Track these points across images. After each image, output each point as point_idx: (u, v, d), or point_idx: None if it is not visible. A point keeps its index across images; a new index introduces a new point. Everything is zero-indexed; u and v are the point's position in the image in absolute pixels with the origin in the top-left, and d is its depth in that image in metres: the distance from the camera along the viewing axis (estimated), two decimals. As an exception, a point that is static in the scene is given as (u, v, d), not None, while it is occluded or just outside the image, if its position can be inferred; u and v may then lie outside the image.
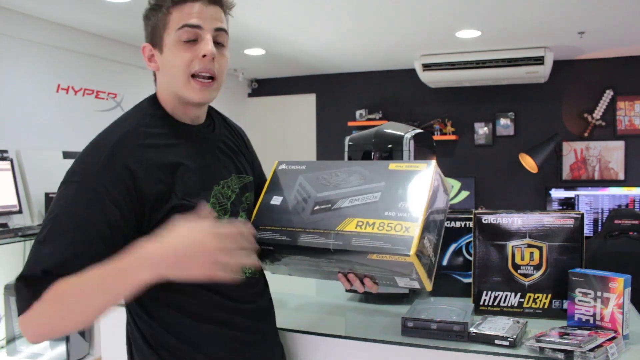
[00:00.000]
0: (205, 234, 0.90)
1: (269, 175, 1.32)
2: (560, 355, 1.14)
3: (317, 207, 1.18)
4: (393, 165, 1.18)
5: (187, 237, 0.90)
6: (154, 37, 1.11)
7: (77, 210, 0.96)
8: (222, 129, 1.25)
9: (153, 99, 1.16)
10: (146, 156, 1.04)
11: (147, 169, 1.03)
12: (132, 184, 1.00)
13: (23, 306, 0.92)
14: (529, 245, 1.42)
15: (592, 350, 1.12)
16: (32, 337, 0.94)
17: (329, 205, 1.17)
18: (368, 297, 1.61)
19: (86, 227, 0.95)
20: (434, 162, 1.15)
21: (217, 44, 1.11)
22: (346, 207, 1.15)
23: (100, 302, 0.92)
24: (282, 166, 1.31)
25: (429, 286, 1.10)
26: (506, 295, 1.44)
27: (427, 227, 1.08)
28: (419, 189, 1.11)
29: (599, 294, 1.29)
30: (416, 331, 1.29)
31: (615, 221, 2.75)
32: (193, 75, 1.09)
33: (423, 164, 1.16)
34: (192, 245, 0.90)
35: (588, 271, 1.32)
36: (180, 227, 0.92)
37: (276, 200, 1.25)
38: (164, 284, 0.92)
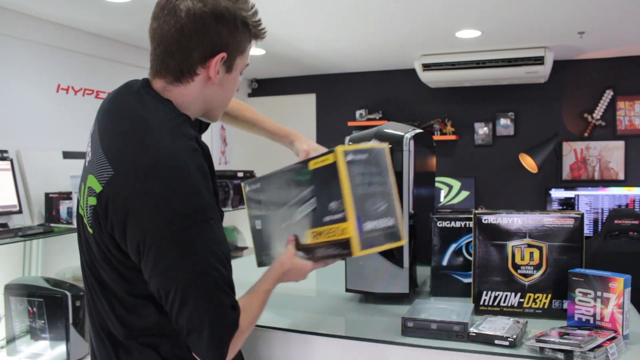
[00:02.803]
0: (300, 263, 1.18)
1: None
2: (560, 355, 1.14)
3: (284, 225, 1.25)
4: (313, 164, 1.15)
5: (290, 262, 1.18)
6: (231, 53, 1.07)
7: (220, 246, 1.00)
8: None
9: (166, 100, 1.07)
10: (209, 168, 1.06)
11: (213, 182, 1.06)
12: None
13: (225, 344, 0.99)
14: (529, 245, 1.42)
15: (592, 350, 1.12)
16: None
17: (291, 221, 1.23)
18: (368, 297, 1.61)
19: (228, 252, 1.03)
20: (337, 150, 1.09)
21: None
22: (301, 218, 1.18)
23: None
24: (247, 188, 1.39)
25: (404, 239, 1.18)
26: (506, 295, 1.44)
27: (363, 209, 1.09)
28: (337, 183, 1.08)
29: (599, 294, 1.29)
30: (416, 331, 1.28)
31: (615, 221, 2.75)
32: None
33: (329, 154, 1.10)
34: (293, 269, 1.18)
35: (588, 271, 1.32)
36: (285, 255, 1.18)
37: (259, 224, 1.35)
38: (148, 327, 1.03)
